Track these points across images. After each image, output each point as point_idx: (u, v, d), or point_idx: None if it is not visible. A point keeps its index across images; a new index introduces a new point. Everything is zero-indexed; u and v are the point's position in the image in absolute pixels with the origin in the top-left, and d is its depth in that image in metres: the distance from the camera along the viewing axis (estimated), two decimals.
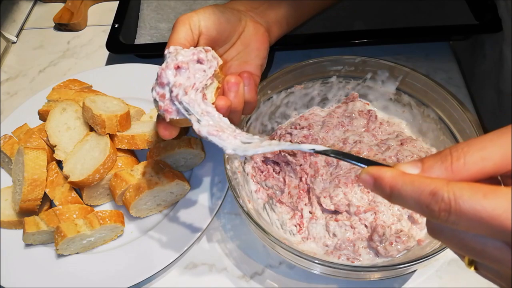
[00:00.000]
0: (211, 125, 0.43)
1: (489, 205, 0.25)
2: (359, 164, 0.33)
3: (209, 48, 0.46)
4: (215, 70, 0.45)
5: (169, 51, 0.45)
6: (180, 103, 0.43)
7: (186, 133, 0.66)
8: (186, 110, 0.43)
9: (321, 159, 0.59)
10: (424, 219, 0.52)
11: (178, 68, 0.43)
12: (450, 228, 0.28)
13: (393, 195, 0.29)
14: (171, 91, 0.43)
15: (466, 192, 0.25)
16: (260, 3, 0.58)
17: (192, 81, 0.43)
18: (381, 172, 0.29)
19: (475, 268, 0.32)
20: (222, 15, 0.53)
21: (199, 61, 0.44)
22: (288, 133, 0.62)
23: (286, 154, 0.59)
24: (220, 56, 0.53)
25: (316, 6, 0.66)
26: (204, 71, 0.44)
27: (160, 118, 0.46)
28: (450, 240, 0.29)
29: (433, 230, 0.30)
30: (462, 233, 0.28)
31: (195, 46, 0.49)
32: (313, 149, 0.36)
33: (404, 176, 0.28)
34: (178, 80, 0.43)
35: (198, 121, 0.43)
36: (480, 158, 0.27)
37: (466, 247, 0.28)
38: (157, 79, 0.44)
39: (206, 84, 0.45)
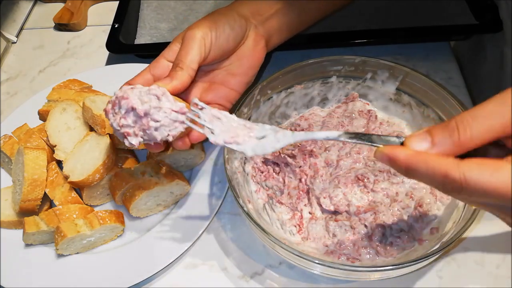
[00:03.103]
0: (224, 131, 0.43)
1: (493, 181, 0.29)
2: (374, 144, 0.35)
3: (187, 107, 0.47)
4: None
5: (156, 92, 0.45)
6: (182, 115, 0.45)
7: None
8: (192, 121, 0.44)
9: (320, 160, 0.59)
10: (426, 216, 0.53)
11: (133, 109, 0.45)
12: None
13: (409, 173, 0.32)
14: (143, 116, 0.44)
15: (474, 172, 0.29)
16: (265, 9, 0.58)
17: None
18: (395, 152, 0.32)
19: None
20: (232, 31, 0.53)
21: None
22: None
23: (286, 156, 0.59)
24: (213, 64, 0.55)
25: (318, 14, 0.66)
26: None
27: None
28: (461, 200, 0.36)
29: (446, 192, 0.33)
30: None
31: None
32: (327, 137, 0.39)
33: (417, 156, 0.31)
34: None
35: (212, 131, 0.43)
36: (485, 130, 0.30)
37: (475, 205, 0.36)
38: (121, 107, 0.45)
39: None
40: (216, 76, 0.55)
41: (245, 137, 0.43)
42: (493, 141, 0.31)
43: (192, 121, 0.44)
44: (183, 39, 0.51)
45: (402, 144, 0.34)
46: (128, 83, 0.51)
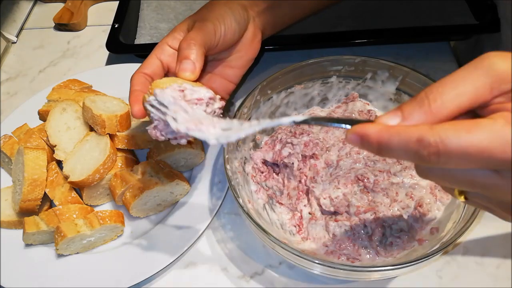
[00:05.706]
0: (188, 120, 0.42)
1: (474, 139, 0.26)
2: (342, 125, 0.33)
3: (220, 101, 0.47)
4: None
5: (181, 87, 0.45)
6: (157, 102, 0.44)
7: None
8: (160, 110, 0.43)
9: (320, 161, 0.59)
10: (426, 216, 0.53)
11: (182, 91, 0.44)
12: (440, 168, 0.29)
13: (381, 149, 0.29)
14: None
15: (450, 132, 0.26)
16: (261, 1, 0.59)
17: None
18: (366, 129, 0.29)
19: (465, 198, 0.33)
20: (238, 26, 0.54)
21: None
22: (289, 143, 0.61)
23: (285, 159, 0.59)
24: (211, 54, 0.55)
25: (312, 8, 0.67)
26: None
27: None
28: (441, 178, 0.30)
29: (422, 171, 0.31)
30: (452, 170, 0.29)
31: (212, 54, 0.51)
32: (293, 121, 0.36)
33: (389, 129, 0.29)
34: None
35: (174, 119, 0.42)
36: (455, 95, 0.28)
37: (456, 181, 0.30)
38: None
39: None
40: (215, 67, 0.56)
41: (210, 127, 0.41)
42: (469, 109, 0.28)
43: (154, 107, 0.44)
44: (194, 27, 0.51)
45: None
46: (138, 71, 0.51)
